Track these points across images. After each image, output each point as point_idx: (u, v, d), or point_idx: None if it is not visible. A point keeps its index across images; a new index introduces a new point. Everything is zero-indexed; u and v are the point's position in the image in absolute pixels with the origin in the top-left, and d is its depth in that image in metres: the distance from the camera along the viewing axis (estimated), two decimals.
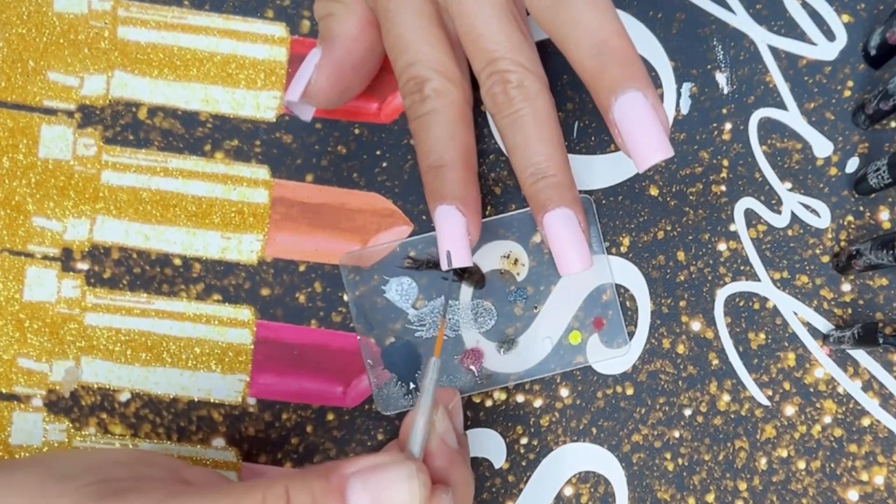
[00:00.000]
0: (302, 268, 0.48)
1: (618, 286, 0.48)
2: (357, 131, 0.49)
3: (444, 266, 0.43)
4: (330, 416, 0.48)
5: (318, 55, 0.44)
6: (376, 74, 0.47)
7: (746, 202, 0.48)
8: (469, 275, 0.48)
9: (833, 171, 0.48)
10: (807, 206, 0.48)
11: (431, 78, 0.43)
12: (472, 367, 0.48)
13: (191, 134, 0.49)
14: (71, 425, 0.48)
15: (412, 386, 0.48)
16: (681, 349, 0.48)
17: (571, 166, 0.48)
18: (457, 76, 0.43)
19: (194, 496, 0.35)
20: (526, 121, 0.42)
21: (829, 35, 0.48)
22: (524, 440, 0.48)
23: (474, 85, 0.44)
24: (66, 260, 0.49)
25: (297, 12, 0.49)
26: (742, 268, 0.48)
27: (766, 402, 0.48)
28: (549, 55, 0.49)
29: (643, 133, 0.39)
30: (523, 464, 0.48)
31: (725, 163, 0.48)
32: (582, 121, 0.49)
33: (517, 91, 0.42)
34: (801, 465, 0.47)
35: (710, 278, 0.48)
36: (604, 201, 0.48)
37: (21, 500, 0.35)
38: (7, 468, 0.37)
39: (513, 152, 0.43)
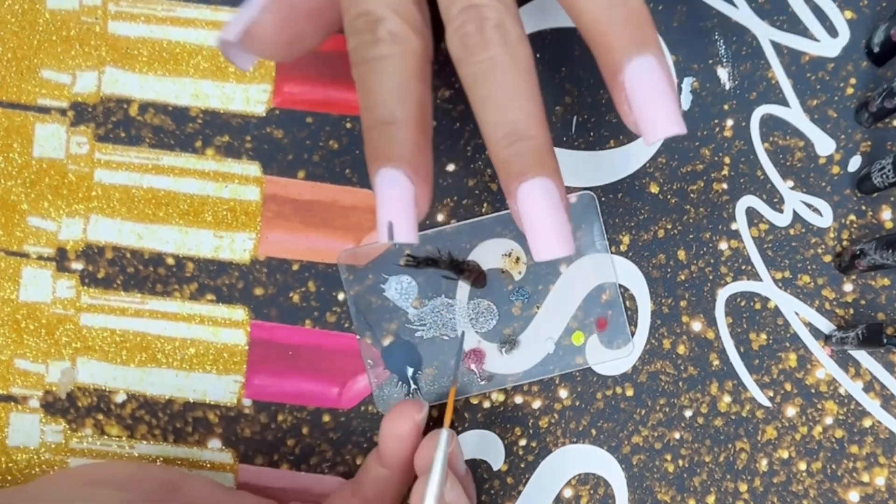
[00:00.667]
0: (295, 267, 0.48)
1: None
2: (349, 125, 0.48)
3: (382, 239, 0.36)
4: (326, 418, 0.48)
5: None
6: None
7: (748, 200, 0.48)
8: (469, 273, 0.47)
9: (835, 169, 0.47)
10: (809, 205, 0.47)
11: (387, 17, 0.36)
12: (473, 368, 0.47)
13: (182, 130, 0.48)
14: (67, 426, 0.48)
15: (413, 386, 0.48)
16: (681, 350, 0.47)
17: (570, 163, 0.48)
18: (418, 22, 0.36)
19: None
20: (504, 68, 0.35)
21: (832, 31, 0.48)
22: (523, 442, 0.48)
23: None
24: (60, 260, 0.48)
25: None
26: (743, 267, 0.47)
27: (767, 403, 0.47)
28: (546, 47, 0.48)
29: (659, 103, 0.34)
30: (522, 466, 0.48)
31: (727, 160, 0.48)
32: (581, 116, 0.48)
33: (496, 32, 0.35)
34: (802, 466, 0.47)
35: (711, 278, 0.48)
36: (603, 199, 0.48)
37: None
38: None
39: (482, 106, 0.36)
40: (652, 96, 0.35)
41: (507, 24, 0.35)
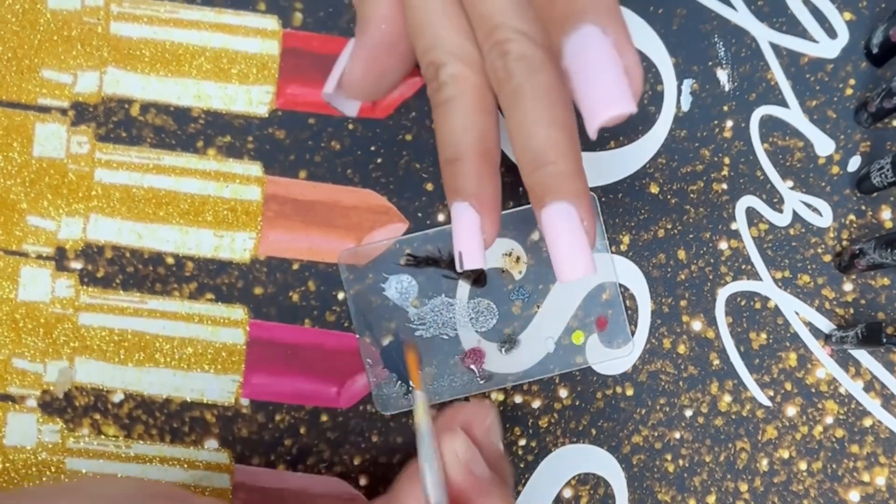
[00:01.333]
0: (295, 266, 0.48)
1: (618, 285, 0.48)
2: (351, 126, 0.48)
3: (458, 268, 0.40)
4: (324, 418, 0.48)
5: (353, 44, 0.42)
6: None
7: (748, 200, 0.48)
8: (469, 272, 0.47)
9: (835, 169, 0.48)
10: (808, 205, 0.48)
11: (448, 63, 0.39)
12: (472, 367, 0.47)
13: (183, 130, 0.48)
14: (65, 426, 0.48)
15: (412, 385, 0.47)
16: (681, 349, 0.47)
17: None
18: (475, 59, 0.39)
19: None
20: (525, 98, 0.37)
21: (831, 32, 0.48)
22: (523, 441, 0.47)
23: None
24: (59, 259, 0.48)
25: (289, 4, 0.49)
26: (743, 267, 0.48)
27: (767, 402, 0.47)
28: None
29: (596, 79, 0.32)
30: (522, 465, 0.47)
31: (727, 160, 0.48)
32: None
33: (517, 63, 0.37)
34: (803, 465, 0.47)
35: (711, 277, 0.48)
36: (603, 199, 0.48)
37: None
38: None
39: (512, 136, 0.38)
40: (590, 74, 0.32)
41: (528, 53, 0.37)
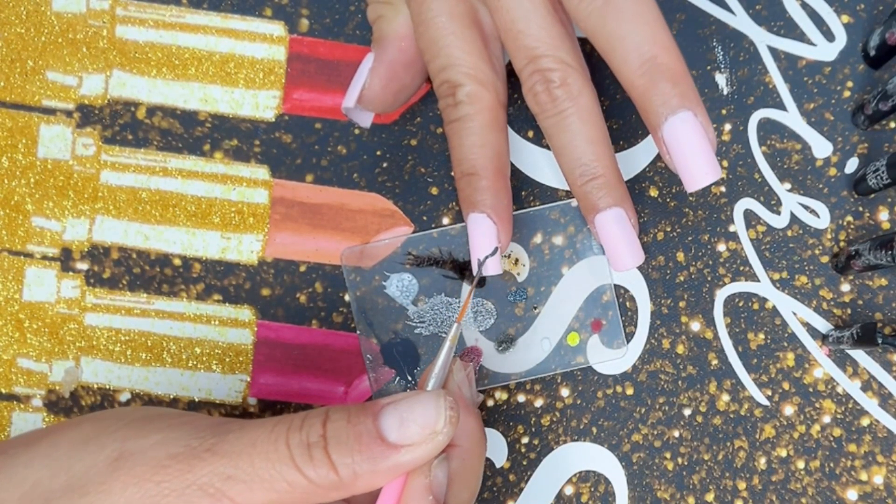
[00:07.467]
0: (303, 268, 0.48)
1: (618, 287, 0.48)
2: (357, 131, 0.49)
3: (475, 273, 0.44)
4: None
5: (372, 59, 0.44)
6: None
7: (746, 203, 0.48)
8: (469, 273, 0.48)
9: (832, 171, 0.48)
10: (806, 207, 0.48)
11: (464, 83, 0.42)
12: (470, 366, 0.48)
13: (190, 133, 0.49)
14: None
15: (412, 381, 0.48)
16: (680, 349, 0.48)
17: None
18: (489, 79, 0.43)
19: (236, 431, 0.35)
20: (571, 121, 0.42)
21: (829, 36, 0.49)
22: (525, 439, 0.48)
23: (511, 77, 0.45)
24: (65, 260, 0.48)
25: (296, 10, 0.49)
26: (741, 268, 0.48)
27: (765, 401, 0.48)
28: None
29: (694, 155, 0.39)
30: (524, 463, 0.48)
31: (725, 163, 0.48)
32: None
33: (560, 90, 0.41)
34: (801, 464, 0.48)
35: (709, 279, 0.48)
36: None
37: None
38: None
39: (559, 153, 0.43)
40: (688, 152, 0.39)
41: (569, 79, 0.41)
